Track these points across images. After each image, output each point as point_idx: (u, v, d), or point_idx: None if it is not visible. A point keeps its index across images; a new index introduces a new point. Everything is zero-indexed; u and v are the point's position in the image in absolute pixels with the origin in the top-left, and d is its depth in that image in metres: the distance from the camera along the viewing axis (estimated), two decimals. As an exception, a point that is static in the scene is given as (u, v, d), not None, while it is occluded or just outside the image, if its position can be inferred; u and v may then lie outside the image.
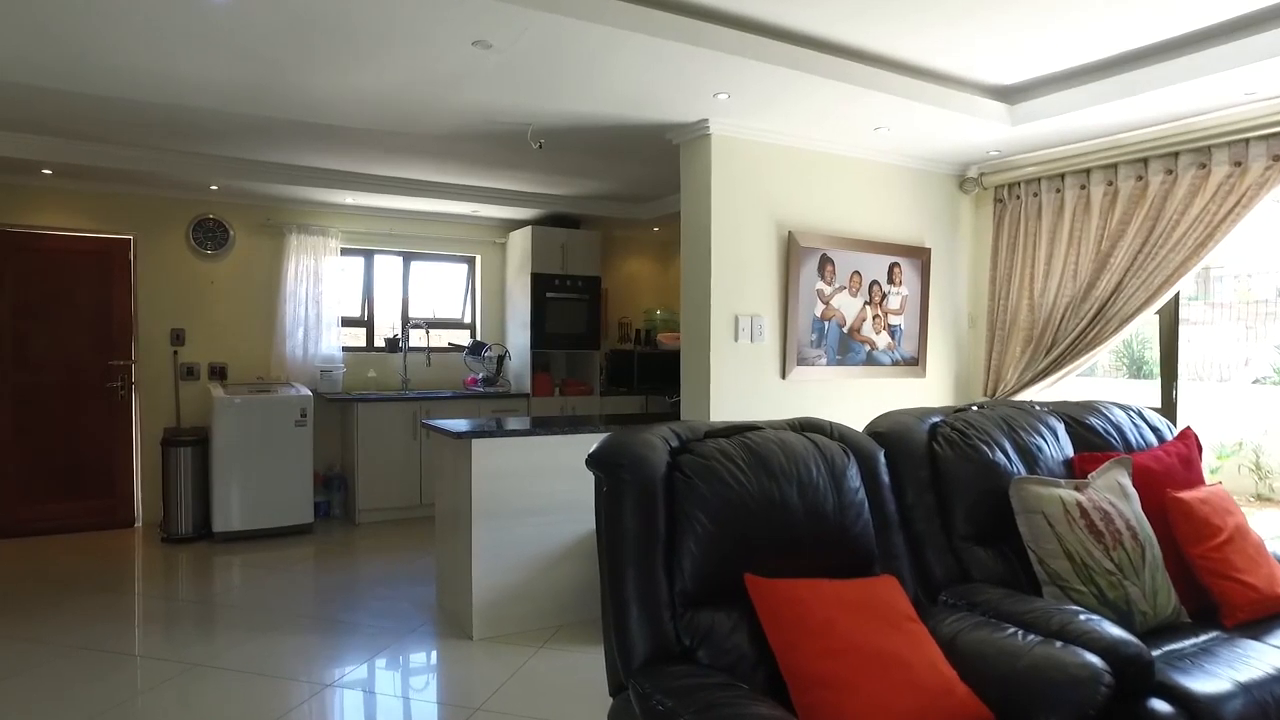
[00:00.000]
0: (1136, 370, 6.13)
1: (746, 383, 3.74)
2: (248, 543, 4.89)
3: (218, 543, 4.88)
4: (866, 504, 2.04)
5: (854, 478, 2.03)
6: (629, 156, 4.48)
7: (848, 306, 4.04)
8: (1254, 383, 5.86)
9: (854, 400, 4.11)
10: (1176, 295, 3.71)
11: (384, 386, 6.02)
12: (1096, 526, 2.18)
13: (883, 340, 4.19)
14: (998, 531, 2.29)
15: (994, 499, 2.30)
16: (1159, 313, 3.76)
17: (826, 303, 3.97)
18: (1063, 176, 4.01)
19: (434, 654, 3.29)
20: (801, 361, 3.89)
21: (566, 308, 6.23)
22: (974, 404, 2.68)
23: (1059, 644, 1.73)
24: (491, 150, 4.40)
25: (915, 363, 4.33)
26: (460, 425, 3.59)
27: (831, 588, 1.82)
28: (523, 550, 3.44)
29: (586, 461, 1.89)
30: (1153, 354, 4.29)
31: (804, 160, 3.91)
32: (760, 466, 1.89)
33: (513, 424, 3.68)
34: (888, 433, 2.36)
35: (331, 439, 5.76)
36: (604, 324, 6.56)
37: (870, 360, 4.15)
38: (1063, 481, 2.29)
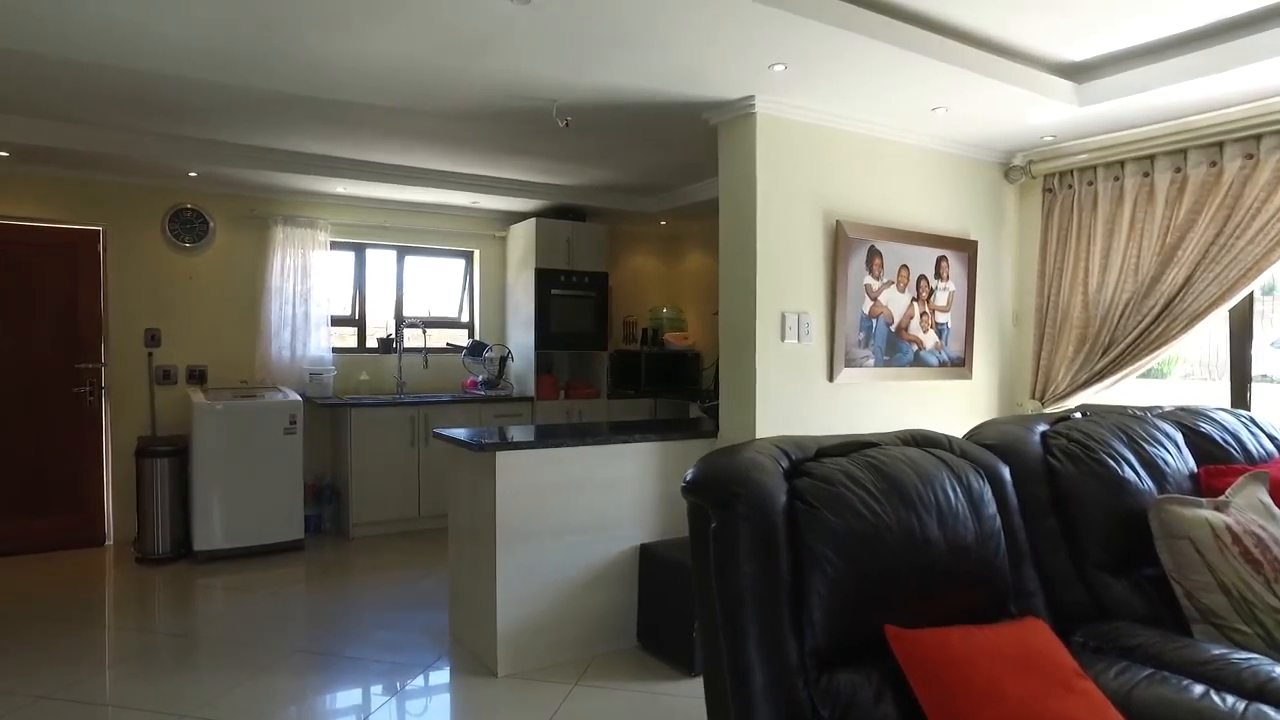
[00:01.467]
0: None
1: (793, 386, 3.41)
2: (232, 562, 4.47)
3: (199, 563, 4.45)
4: (1002, 532, 1.72)
5: (990, 502, 1.71)
6: (653, 141, 4.13)
7: (895, 303, 3.74)
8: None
9: (903, 405, 3.81)
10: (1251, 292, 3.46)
11: (378, 390, 5.61)
12: (1252, 554, 1.89)
13: (930, 339, 3.90)
14: (1131, 559, 1.99)
15: (1125, 521, 2.00)
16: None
17: (874, 299, 3.66)
18: (1122, 164, 3.74)
19: (456, 696, 2.92)
20: (849, 363, 3.57)
21: (572, 306, 5.87)
22: (1076, 410, 2.38)
23: (1274, 712, 1.42)
24: (505, 132, 4.04)
25: (962, 363, 4.05)
26: (481, 435, 3.22)
27: (985, 638, 1.50)
28: (552, 574, 3.08)
29: (686, 489, 1.55)
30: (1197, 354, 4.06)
31: (850, 144, 3.60)
32: (894, 492, 1.57)
33: (539, 433, 3.32)
34: (997, 445, 2.04)
35: (321, 447, 5.34)
36: (610, 323, 6.20)
37: (918, 361, 3.85)
38: (1204, 501, 2.00)
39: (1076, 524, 1.98)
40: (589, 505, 3.16)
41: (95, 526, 4.83)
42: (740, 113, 3.34)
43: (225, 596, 3.96)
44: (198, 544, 4.46)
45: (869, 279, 3.63)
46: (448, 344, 5.93)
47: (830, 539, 1.47)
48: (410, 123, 3.90)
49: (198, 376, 5.01)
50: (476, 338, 6.09)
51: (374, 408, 5.11)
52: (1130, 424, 2.26)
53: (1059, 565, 1.94)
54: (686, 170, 5.09)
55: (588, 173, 5.16)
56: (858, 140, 3.62)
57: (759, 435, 3.29)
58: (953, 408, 4.02)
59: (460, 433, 3.28)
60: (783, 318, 3.37)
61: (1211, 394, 3.88)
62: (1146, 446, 2.17)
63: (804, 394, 3.45)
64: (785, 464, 1.60)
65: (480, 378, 5.83)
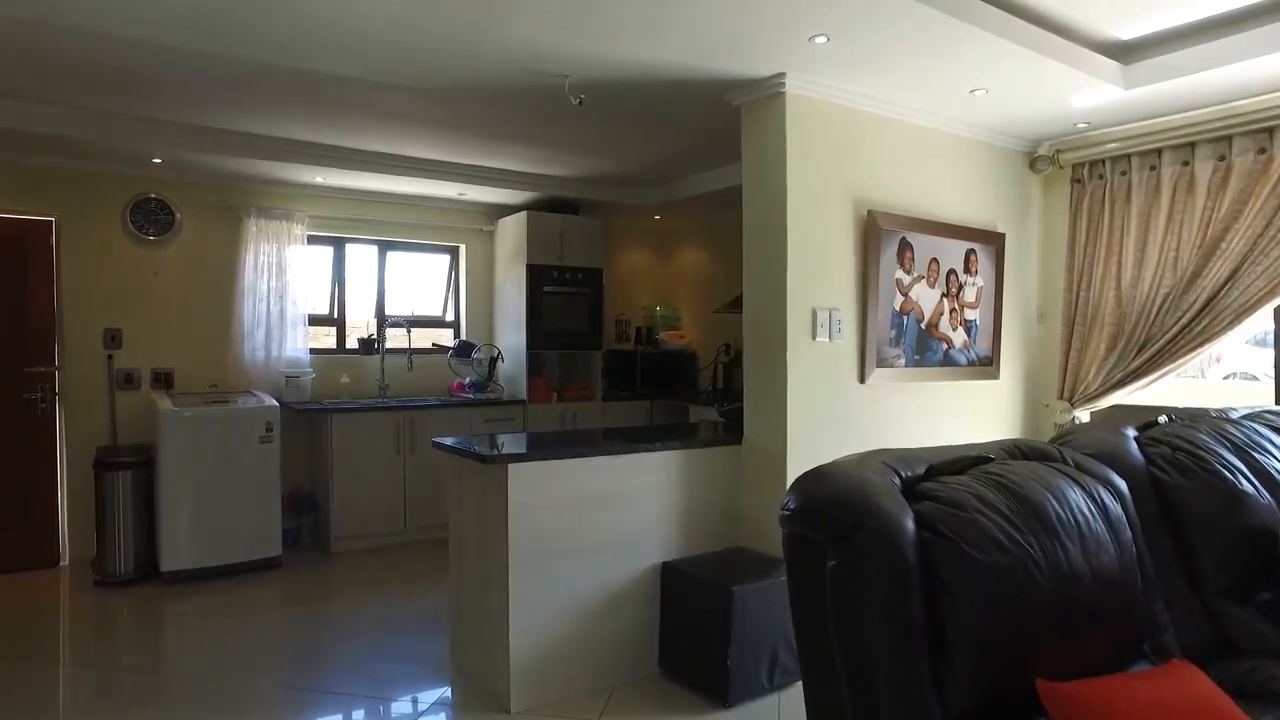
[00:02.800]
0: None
1: (824, 389, 3.17)
2: (203, 583, 4.09)
3: (166, 584, 4.07)
4: (1137, 558, 1.48)
5: (1125, 523, 1.47)
6: (663, 125, 3.86)
7: (926, 299, 3.52)
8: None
9: (933, 408, 3.60)
10: (1298, 285, 3.29)
11: (359, 394, 5.25)
12: (1393, 576, 1.68)
13: (959, 337, 3.68)
14: (1254, 583, 1.77)
15: (1246, 540, 1.77)
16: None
17: (905, 294, 3.43)
18: (1159, 152, 3.56)
19: (465, 735, 2.62)
20: (880, 362, 3.34)
21: (565, 303, 5.57)
22: (1162, 414, 2.16)
23: None
24: (505, 115, 3.73)
25: (989, 363, 3.84)
26: (489, 446, 2.91)
27: (1145, 692, 1.26)
28: (569, 598, 2.79)
29: (791, 519, 1.27)
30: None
31: (881, 128, 3.37)
32: (1033, 516, 1.31)
33: (551, 443, 3.02)
34: (1099, 457, 1.80)
35: (299, 455, 4.97)
36: (604, 321, 5.91)
37: (947, 360, 3.63)
38: (1332, 516, 1.79)
39: (1192, 545, 1.76)
40: (607, 521, 2.88)
41: (48, 546, 4.41)
42: (768, 92, 3.08)
43: (196, 623, 3.59)
44: (165, 563, 4.08)
45: (900, 273, 3.41)
46: (434, 344, 5.59)
47: (971, 576, 1.21)
48: (401, 103, 3.58)
49: (163, 380, 4.61)
50: (463, 338, 5.75)
51: (356, 413, 4.76)
52: (1227, 429, 2.05)
53: (1178, 593, 1.71)
54: (691, 160, 4.82)
55: (585, 162, 4.87)
56: (888, 124, 3.39)
57: (790, 442, 3.04)
58: (981, 410, 3.82)
59: (464, 442, 2.97)
60: (814, 314, 3.12)
61: (1255, 395, 3.72)
62: (1256, 455, 1.95)
63: (835, 397, 3.20)
64: (898, 484, 1.34)
65: (468, 380, 5.51)
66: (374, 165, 4.61)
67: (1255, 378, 3.98)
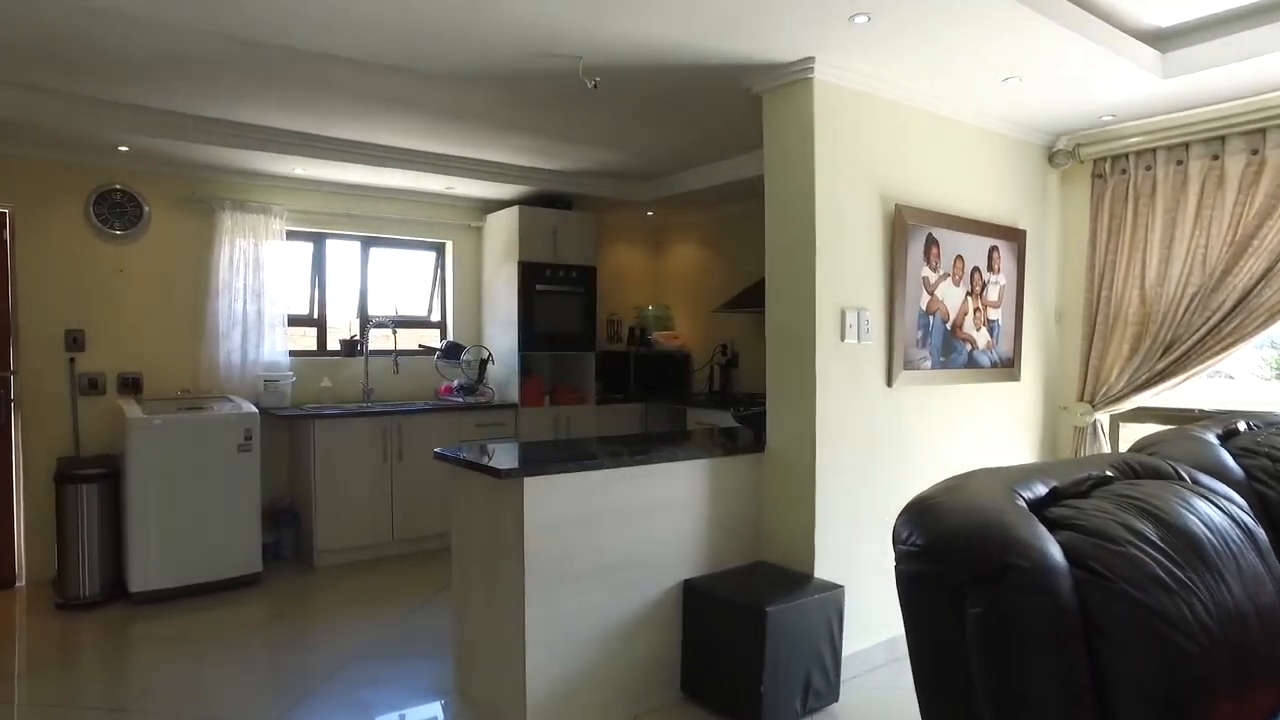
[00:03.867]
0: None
1: (851, 392, 2.99)
2: (176, 604, 3.79)
3: (135, 606, 3.76)
4: None
5: (1270, 553, 1.30)
6: (672, 114, 3.66)
7: (951, 298, 3.37)
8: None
9: (957, 412, 3.45)
10: (1332, 283, 3.20)
11: (341, 398, 4.97)
12: None
13: (982, 338, 3.54)
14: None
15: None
16: (1306, 304, 3.24)
17: (931, 293, 3.27)
18: (1186, 146, 3.45)
19: (479, 776, 2.39)
20: (908, 364, 3.18)
21: (559, 303, 5.34)
22: (1239, 419, 2.01)
23: None
24: (508, 100, 3.50)
25: (1011, 364, 3.70)
26: (493, 457, 2.69)
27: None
28: (588, 622, 2.58)
29: (919, 555, 1.08)
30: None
31: (908, 118, 3.21)
32: (1189, 549, 1.14)
33: (569, 453, 2.80)
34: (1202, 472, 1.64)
35: (279, 464, 4.68)
36: (598, 321, 5.69)
37: (971, 362, 3.48)
38: None
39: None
40: (627, 537, 2.67)
41: (3, 566, 4.07)
42: (793, 78, 2.90)
43: (169, 650, 3.30)
44: (133, 584, 3.77)
45: (926, 270, 3.25)
46: (420, 345, 5.32)
47: (1134, 622, 1.02)
48: (393, 88, 3.33)
49: (131, 385, 4.29)
50: (451, 339, 5.49)
51: (340, 419, 4.49)
52: (1316, 437, 1.90)
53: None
54: (690, 154, 4.64)
55: (582, 154, 4.65)
56: (912, 114, 3.22)
57: (820, 449, 2.86)
58: (1001, 414, 3.68)
59: (470, 453, 2.74)
60: (842, 314, 2.94)
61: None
62: (1356, 466, 1.80)
63: (862, 401, 3.03)
64: (1025, 510, 1.15)
65: (455, 383, 5.25)
66: (358, 156, 4.35)
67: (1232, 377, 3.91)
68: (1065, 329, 3.97)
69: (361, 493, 4.53)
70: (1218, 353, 3.35)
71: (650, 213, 6.03)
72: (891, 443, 3.14)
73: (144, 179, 4.34)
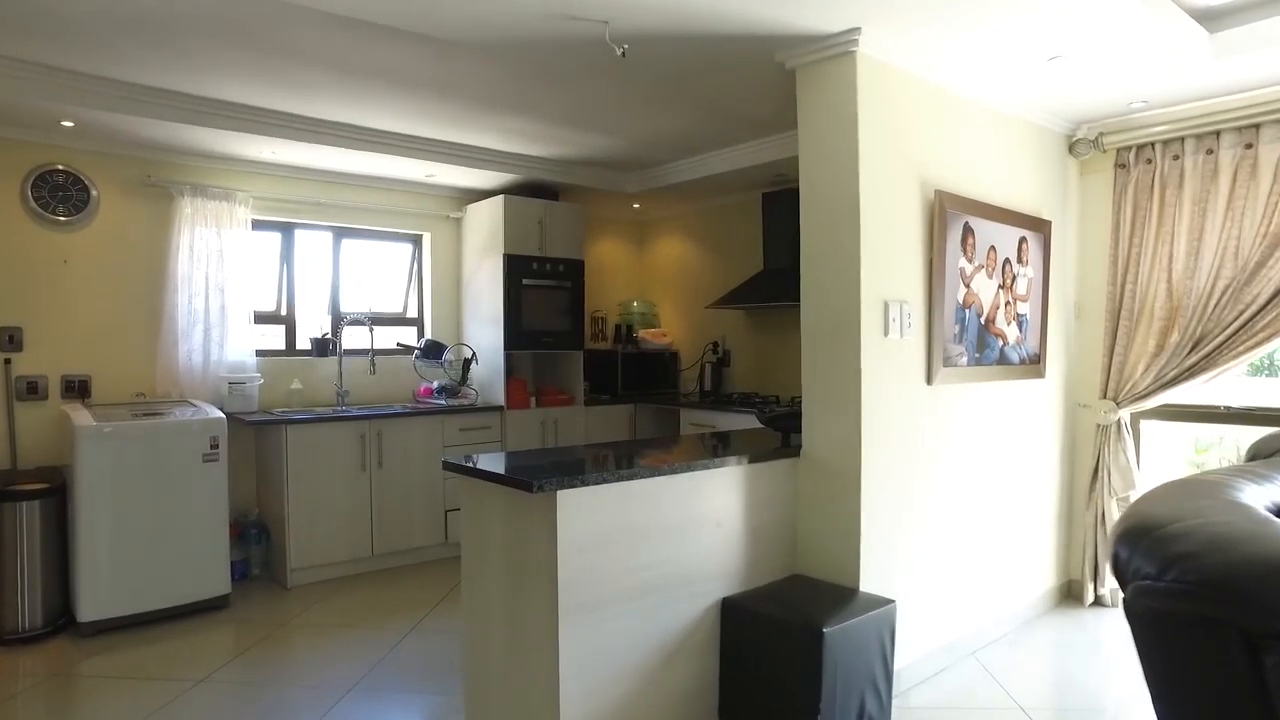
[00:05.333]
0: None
1: (893, 391, 2.79)
2: (132, 635, 3.39)
3: (85, 638, 3.35)
4: None
5: None
6: (685, 93, 3.41)
7: (985, 291, 3.20)
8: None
9: (991, 412, 3.29)
10: (1367, 276, 3.13)
11: (312, 401, 4.58)
12: None
13: (1013, 333, 3.38)
14: None
15: None
16: (1340, 297, 3.16)
17: (967, 285, 3.10)
18: (1217, 134, 3.35)
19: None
20: (946, 361, 2.99)
21: (546, 298, 5.04)
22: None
23: None
24: (508, 72, 3.21)
25: (1037, 360, 3.56)
26: (523, 467, 2.40)
27: None
28: (625, 650, 2.31)
29: (1194, 596, 0.85)
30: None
31: (942, 99, 3.02)
32: None
33: (600, 461, 2.53)
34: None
35: (245, 475, 4.29)
36: (585, 318, 5.41)
37: (1002, 358, 3.32)
38: None
39: None
40: (663, 553, 2.41)
41: (-71, 594, 3.59)
42: (835, 52, 2.68)
43: (124, 691, 2.89)
44: (83, 613, 3.36)
45: (963, 261, 3.07)
46: (399, 344, 4.96)
47: None
48: (377, 58, 3.02)
49: (77, 389, 3.84)
50: (429, 337, 5.15)
51: (313, 424, 4.11)
52: None
53: None
54: (691, 140, 4.41)
55: (574, 141, 4.37)
56: (949, 95, 3.05)
57: (865, 453, 2.65)
58: (1027, 413, 3.54)
59: (491, 462, 2.44)
60: (885, 308, 2.73)
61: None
62: None
63: (903, 401, 2.83)
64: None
65: (436, 384, 4.91)
66: (334, 138, 3.99)
67: None
68: (1084, 324, 3.85)
69: (338, 504, 4.17)
70: (1251, 348, 3.25)
71: (636, 205, 5.78)
72: (931, 445, 2.96)
73: (91, 159, 3.90)
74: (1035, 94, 3.27)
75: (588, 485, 2.20)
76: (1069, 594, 3.84)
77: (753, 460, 2.67)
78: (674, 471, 2.42)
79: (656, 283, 6.16)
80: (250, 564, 4.15)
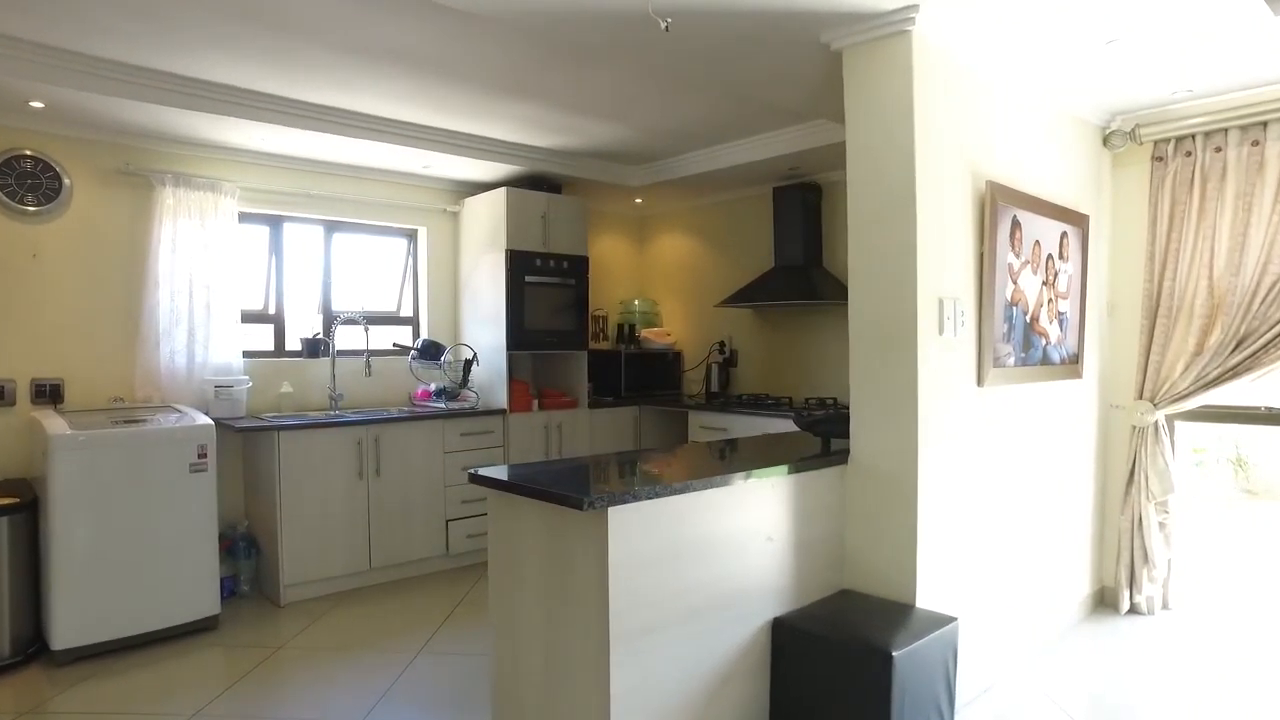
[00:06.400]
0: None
1: (947, 394, 2.62)
2: (113, 663, 3.11)
3: (60, 667, 3.06)
4: None
5: None
6: (709, 76, 3.20)
7: (1030, 287, 3.05)
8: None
9: (1036, 414, 3.14)
10: None
11: (304, 405, 4.31)
12: None
13: (1054, 332, 3.24)
14: None
15: None
16: (1391, 294, 3.06)
17: (1015, 281, 2.94)
18: (1264, 125, 3.23)
19: None
20: (995, 362, 2.83)
21: (550, 296, 4.82)
22: None
23: None
24: (520, 58, 2.99)
25: (1076, 360, 3.42)
26: (559, 479, 2.18)
27: None
28: (677, 681, 2.11)
29: None
30: None
31: (990, 85, 2.87)
32: None
33: (651, 473, 2.32)
34: None
35: (233, 485, 4.01)
36: (589, 317, 5.19)
37: (1045, 359, 3.18)
38: None
39: None
40: (712, 572, 2.21)
41: (-116, 620, 3.27)
42: (888, 30, 2.50)
43: (114, 726, 2.64)
44: (57, 639, 3.07)
45: (1011, 257, 2.91)
46: (395, 344, 4.70)
47: None
48: (385, 36, 2.80)
49: (49, 394, 3.54)
50: (426, 337, 4.89)
51: (307, 430, 3.85)
52: None
53: None
54: (703, 131, 4.27)
55: (582, 130, 4.17)
56: (1002, 82, 2.90)
57: (922, 458, 2.47)
58: (1065, 415, 3.40)
59: (522, 474, 2.22)
60: (940, 305, 2.56)
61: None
62: None
63: (956, 403, 2.66)
64: None
65: (434, 387, 4.67)
66: (329, 124, 3.75)
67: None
68: (1117, 322, 3.73)
69: (334, 515, 3.91)
70: (1300, 346, 3.15)
71: (638, 200, 5.58)
72: (980, 450, 2.80)
73: (64, 145, 3.59)
74: (1081, 81, 3.12)
75: (640, 500, 1.99)
76: (1101, 601, 3.72)
77: (801, 469, 2.48)
78: (725, 483, 2.22)
79: (658, 281, 5.96)
80: (239, 580, 3.87)
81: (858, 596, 2.57)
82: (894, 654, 2.10)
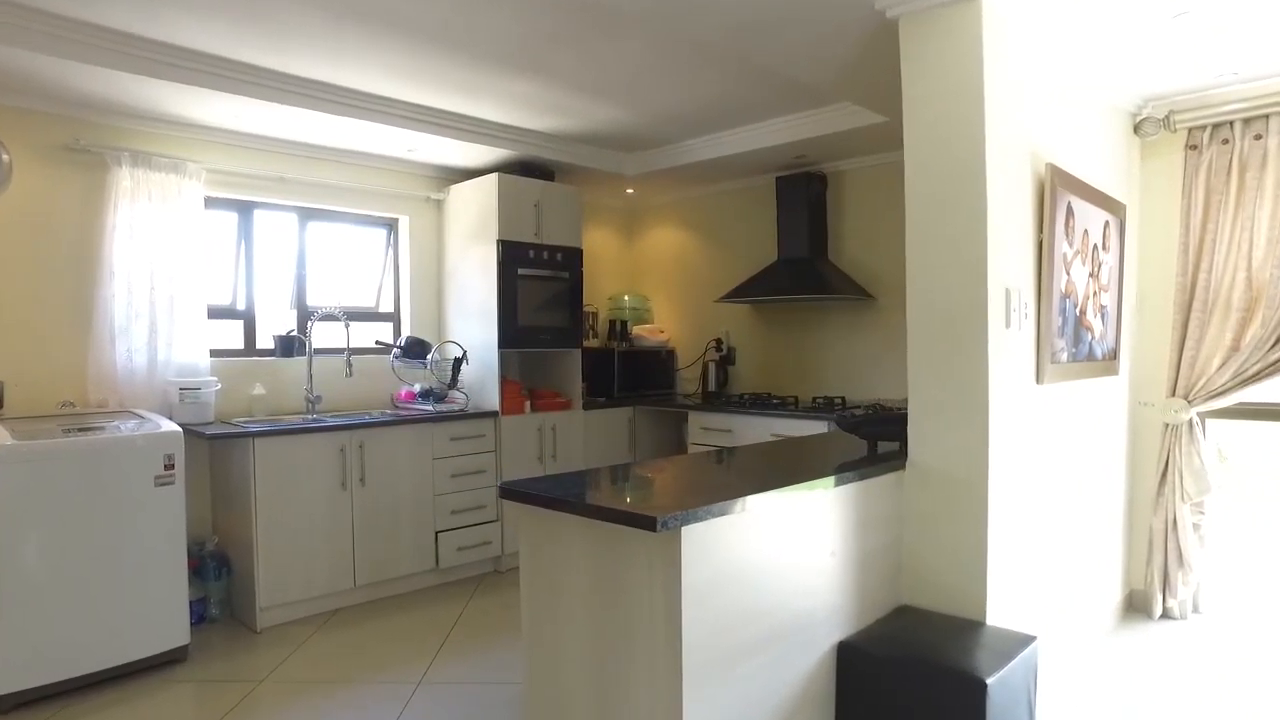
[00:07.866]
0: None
1: (1012, 391, 2.41)
2: (65, 707, 2.72)
3: (3, 715, 2.66)
4: None
5: None
6: (735, 49, 2.96)
7: (1079, 279, 2.87)
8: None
9: (1082, 413, 2.98)
10: None
11: (278, 409, 3.94)
12: None
13: (1098, 326, 3.08)
14: None
15: None
16: None
17: (1068, 272, 2.76)
18: (1306, 112, 3.13)
19: None
20: (1052, 357, 2.64)
21: (544, 291, 4.52)
22: None
23: None
24: (527, 27, 2.70)
25: (1114, 355, 3.28)
26: (614, 493, 1.90)
27: None
28: (755, 712, 1.85)
29: None
30: None
31: (1051, 65, 2.68)
32: None
33: (715, 485, 2.05)
34: None
35: (200, 497, 3.62)
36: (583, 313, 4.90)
37: (1090, 354, 3.01)
38: None
39: None
40: (780, 594, 1.96)
41: None
42: (954, -5, 2.28)
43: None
44: (1, 684, 2.66)
45: (1065, 246, 2.73)
46: (377, 342, 4.35)
47: None
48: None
49: (-13, 399, 3.12)
50: (409, 333, 4.55)
51: (284, 435, 3.48)
52: None
53: None
54: (711, 115, 4.04)
55: (580, 112, 3.91)
56: (1060, 60, 2.72)
57: (993, 461, 2.26)
58: (1101, 413, 3.25)
59: (567, 489, 1.94)
60: (1007, 295, 2.36)
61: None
62: None
63: (1018, 401, 2.46)
64: None
65: (419, 387, 4.33)
66: (307, 99, 3.41)
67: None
68: (1147, 316, 3.60)
69: (315, 529, 3.55)
70: (1345, 341, 3.04)
71: (630, 190, 5.32)
72: (1039, 452, 2.60)
73: (2, 115, 3.17)
74: (1129, 63, 2.96)
75: (713, 517, 1.73)
76: (1131, 605, 3.59)
77: (862, 476, 2.25)
78: (788, 493, 1.97)
79: (649, 275, 5.71)
80: (209, 604, 3.48)
81: (920, 614, 2.35)
82: (988, 681, 1.88)
